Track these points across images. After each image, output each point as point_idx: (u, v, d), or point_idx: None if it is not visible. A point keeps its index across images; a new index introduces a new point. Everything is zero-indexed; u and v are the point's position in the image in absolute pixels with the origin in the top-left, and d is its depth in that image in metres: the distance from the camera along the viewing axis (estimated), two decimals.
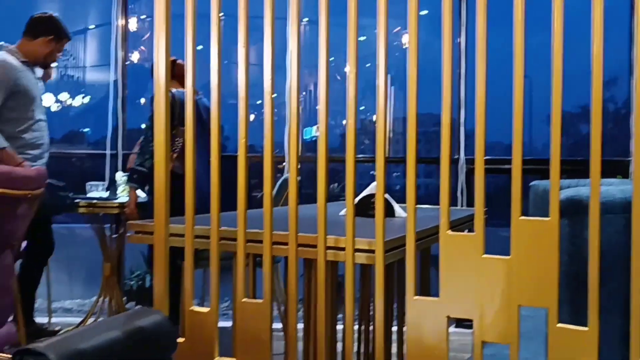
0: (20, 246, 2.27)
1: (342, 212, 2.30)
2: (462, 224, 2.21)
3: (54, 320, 3.92)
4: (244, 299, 1.37)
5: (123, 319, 0.88)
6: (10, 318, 2.15)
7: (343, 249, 1.45)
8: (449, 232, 1.30)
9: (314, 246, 1.47)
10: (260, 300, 1.35)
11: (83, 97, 6.07)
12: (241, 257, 1.44)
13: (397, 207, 2.28)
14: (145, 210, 3.54)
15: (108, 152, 4.69)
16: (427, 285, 2.48)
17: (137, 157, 3.52)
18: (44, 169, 2.19)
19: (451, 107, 1.38)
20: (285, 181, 3.58)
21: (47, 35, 3.15)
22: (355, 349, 2.25)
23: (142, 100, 6.26)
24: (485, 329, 1.21)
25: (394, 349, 2.45)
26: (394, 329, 2.43)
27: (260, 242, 1.55)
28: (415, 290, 1.33)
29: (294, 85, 1.51)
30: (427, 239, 1.75)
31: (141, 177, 3.35)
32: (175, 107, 1.60)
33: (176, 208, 1.63)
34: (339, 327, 1.96)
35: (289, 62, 1.52)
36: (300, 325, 1.64)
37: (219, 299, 1.40)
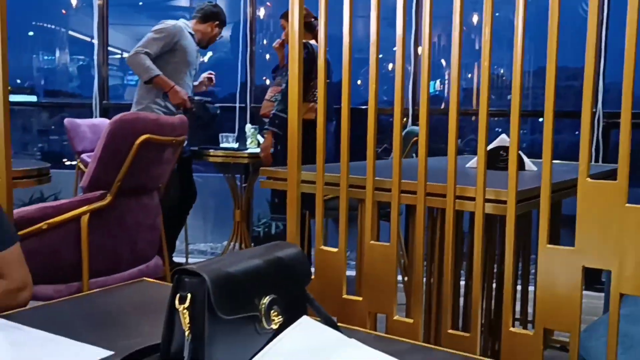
0: (164, 189, 2.48)
1: (468, 165, 2.26)
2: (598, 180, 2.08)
3: (190, 260, 4.28)
4: (372, 241, 1.41)
5: (263, 249, 0.95)
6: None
7: (471, 198, 1.44)
8: (589, 179, 1.23)
9: (442, 195, 1.47)
10: (387, 243, 1.39)
11: (211, 54, 6.37)
12: (370, 196, 1.47)
13: (527, 160, 2.20)
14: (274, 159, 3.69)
15: (237, 105, 4.91)
16: (557, 243, 2.38)
17: (279, 103, 3.66)
18: (186, 118, 2.36)
19: (596, 59, 1.29)
20: (408, 134, 3.55)
21: (214, 21, 3.88)
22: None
23: (267, 57, 6.46)
24: (624, 280, 1.16)
25: (517, 307, 2.40)
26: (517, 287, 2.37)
27: (386, 190, 1.57)
28: (547, 239, 1.29)
29: (425, 40, 1.49)
30: (558, 192, 1.68)
31: (282, 123, 3.49)
32: (315, 59, 1.65)
33: (310, 157, 1.69)
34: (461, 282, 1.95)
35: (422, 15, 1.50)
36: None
37: (347, 239, 1.45)
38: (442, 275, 1.79)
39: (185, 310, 0.78)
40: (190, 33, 3.78)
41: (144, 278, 1.35)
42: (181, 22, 3.76)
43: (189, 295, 0.78)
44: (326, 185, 1.62)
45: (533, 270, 2.63)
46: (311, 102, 3.47)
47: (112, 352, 0.89)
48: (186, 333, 0.77)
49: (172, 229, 3.63)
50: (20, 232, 1.86)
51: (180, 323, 0.79)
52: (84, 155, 3.90)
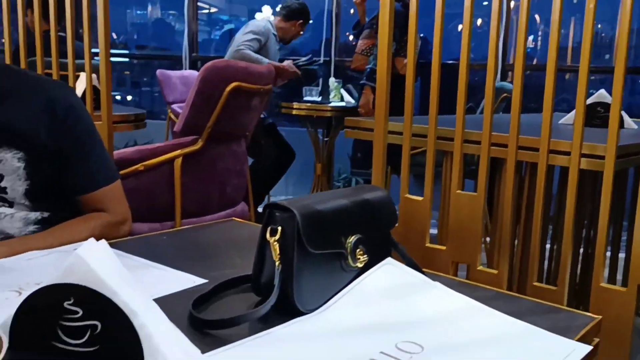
0: (250, 138, 2.55)
1: (562, 121, 2.17)
2: None
3: None
4: (459, 191, 1.40)
5: (350, 190, 0.96)
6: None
7: (565, 153, 1.38)
8: None
9: (533, 149, 1.42)
10: (474, 193, 1.37)
11: None
12: (459, 142, 1.45)
13: (627, 118, 2.08)
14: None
15: (322, 58, 4.91)
16: None
17: (375, 57, 3.65)
18: (273, 68, 2.40)
19: None
20: (497, 90, 3.43)
21: (298, 20, 3.97)
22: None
23: (352, 11, 6.37)
24: None
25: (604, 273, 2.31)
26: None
27: (475, 142, 1.54)
28: None
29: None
30: None
31: None
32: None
33: (399, 113, 1.68)
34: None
35: None
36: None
37: (433, 188, 1.45)
38: (529, 227, 1.75)
39: (275, 243, 0.81)
40: (273, 34, 3.94)
41: (233, 218, 1.41)
42: (267, 22, 3.94)
43: (279, 229, 0.82)
44: (413, 137, 1.60)
45: (624, 238, 2.52)
46: (406, 58, 3.42)
47: (206, 280, 0.94)
48: (276, 264, 0.81)
49: (266, 184, 3.75)
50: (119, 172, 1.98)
51: (270, 255, 0.83)
52: (174, 106, 4.06)
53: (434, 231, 1.73)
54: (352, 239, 0.89)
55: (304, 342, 0.75)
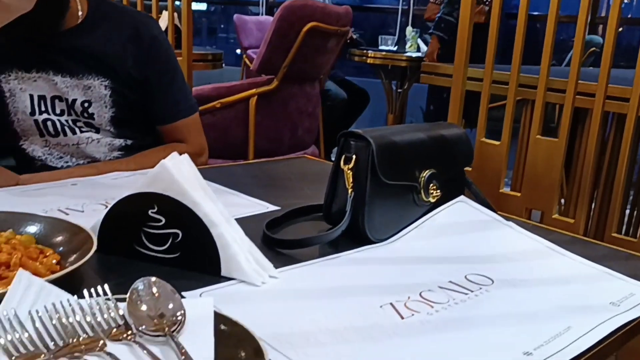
0: (325, 80, 2.54)
1: None
2: None
3: None
4: (538, 136, 1.36)
5: (427, 125, 0.95)
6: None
7: None
8: None
9: (622, 99, 1.35)
10: (554, 139, 1.32)
11: None
12: (543, 85, 1.39)
13: None
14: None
15: (400, 7, 4.78)
16: None
17: (445, 5, 3.54)
18: (351, 9, 2.36)
19: None
20: (585, 43, 3.24)
21: None
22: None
23: None
24: None
25: None
26: None
27: (559, 91, 1.48)
28: None
29: None
30: None
31: (448, 27, 3.37)
32: None
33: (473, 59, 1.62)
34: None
35: None
36: None
37: (511, 133, 1.41)
38: (609, 179, 1.68)
39: (349, 171, 0.82)
40: None
41: (305, 155, 1.44)
42: None
43: (354, 157, 0.82)
44: (493, 84, 1.55)
45: None
46: (480, 4, 3.28)
47: (278, 207, 0.97)
48: (349, 191, 0.82)
49: (337, 129, 3.75)
50: None
51: (343, 183, 0.83)
52: (249, 51, 4.09)
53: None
54: (426, 174, 0.88)
55: (373, 265, 0.76)
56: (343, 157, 0.83)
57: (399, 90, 4.27)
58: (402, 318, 0.62)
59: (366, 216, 0.81)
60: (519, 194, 1.40)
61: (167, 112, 1.36)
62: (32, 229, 0.68)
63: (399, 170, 0.84)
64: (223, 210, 0.71)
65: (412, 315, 0.63)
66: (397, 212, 0.86)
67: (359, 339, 0.57)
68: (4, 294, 0.51)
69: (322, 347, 0.55)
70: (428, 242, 0.83)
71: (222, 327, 0.53)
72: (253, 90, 2.12)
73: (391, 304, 0.65)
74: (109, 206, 0.74)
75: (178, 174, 0.69)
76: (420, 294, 0.67)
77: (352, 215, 0.81)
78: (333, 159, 0.87)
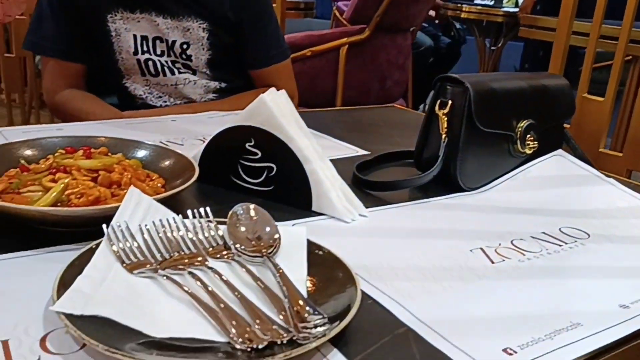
0: (416, 32, 2.48)
1: None
2: None
3: None
4: (585, 94, 1.27)
5: (529, 74, 0.91)
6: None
7: None
8: None
9: None
10: (601, 99, 1.23)
11: None
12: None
13: None
14: None
15: None
16: None
17: None
18: None
19: None
20: None
21: None
22: None
23: None
24: None
25: None
26: None
27: None
28: None
29: None
30: None
31: None
32: None
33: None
34: None
35: None
36: None
37: (616, 90, 1.32)
38: None
39: (444, 116, 0.81)
40: None
41: (394, 104, 1.42)
42: None
43: (449, 102, 0.80)
44: (600, 39, 1.46)
45: None
46: None
47: (368, 152, 0.97)
48: (442, 137, 0.81)
49: (426, 83, 3.65)
50: None
51: (436, 129, 0.82)
52: (339, 3, 4.04)
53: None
54: (523, 124, 0.85)
55: (463, 211, 0.75)
56: (438, 101, 0.82)
57: (493, 47, 4.09)
58: (493, 262, 0.61)
59: (459, 163, 0.80)
60: (620, 154, 1.32)
61: (260, 57, 1.38)
62: (140, 154, 0.72)
63: (496, 118, 0.82)
64: (317, 147, 0.72)
65: (503, 260, 0.62)
66: (490, 161, 0.84)
67: (448, 278, 0.57)
68: (117, 208, 0.55)
69: (410, 281, 0.56)
70: (521, 193, 0.81)
71: (314, 254, 0.55)
72: (344, 40, 2.11)
73: (481, 248, 0.64)
74: (207, 140, 0.78)
75: (276, 108, 0.71)
76: (511, 242, 0.66)
77: (444, 162, 0.80)
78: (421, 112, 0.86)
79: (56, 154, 0.66)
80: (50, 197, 0.58)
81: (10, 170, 0.64)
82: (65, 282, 0.46)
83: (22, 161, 0.66)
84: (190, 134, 1.00)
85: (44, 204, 0.57)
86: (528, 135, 0.85)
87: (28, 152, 0.68)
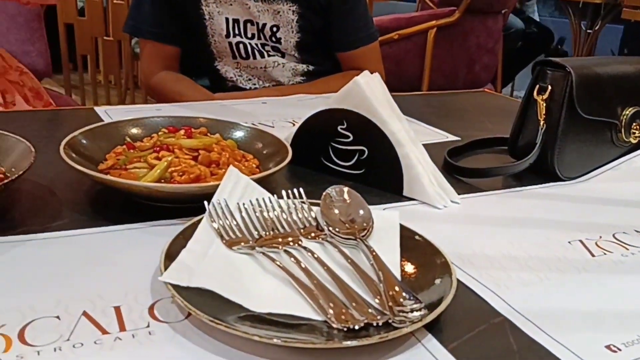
0: (508, 15, 2.39)
1: None
2: None
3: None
4: None
5: (636, 58, 0.86)
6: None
7: None
8: None
9: None
10: None
11: None
12: None
13: None
14: None
15: None
16: None
17: None
18: None
19: None
20: None
21: None
22: None
23: None
24: None
25: None
26: None
27: None
28: None
29: None
30: None
31: None
32: None
33: None
34: None
35: None
36: None
37: None
38: None
39: (542, 102, 0.78)
40: None
41: (485, 89, 1.38)
42: None
43: (549, 87, 0.77)
44: None
45: None
46: None
47: (458, 138, 0.95)
48: (540, 123, 0.78)
49: (515, 68, 3.51)
50: None
51: (533, 115, 0.79)
52: None
53: None
54: (629, 111, 0.80)
55: (560, 201, 0.72)
56: (537, 86, 0.79)
57: (589, 30, 3.87)
58: (593, 256, 0.59)
59: (557, 151, 0.77)
60: None
61: (348, 39, 1.38)
62: (236, 135, 0.74)
63: (599, 105, 0.78)
64: (410, 131, 0.72)
65: (604, 254, 0.59)
66: (591, 150, 0.80)
67: (545, 269, 0.55)
68: (216, 187, 0.58)
69: (505, 271, 0.55)
70: (624, 184, 0.77)
71: (407, 238, 0.55)
72: (433, 22, 2.06)
73: (580, 241, 0.62)
74: (296, 124, 0.79)
75: (369, 91, 0.71)
76: (613, 235, 0.63)
77: (542, 149, 0.77)
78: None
79: (159, 133, 0.69)
80: (154, 174, 0.61)
81: (117, 147, 0.68)
82: (170, 255, 0.49)
83: (128, 139, 0.70)
84: (280, 116, 1.02)
85: (149, 180, 0.60)
86: (634, 124, 0.81)
87: (134, 131, 0.71)
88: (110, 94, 2.45)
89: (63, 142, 0.64)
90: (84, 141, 0.66)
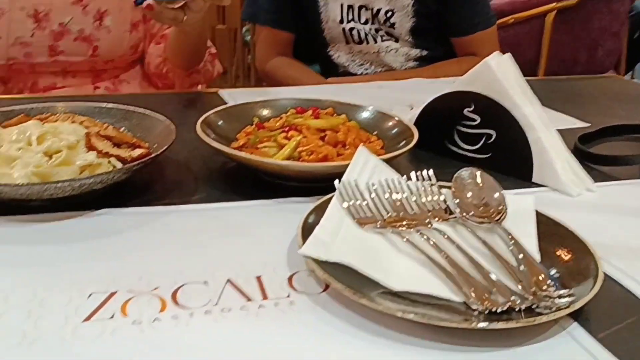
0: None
1: None
2: None
3: None
4: None
5: None
6: None
7: None
8: None
9: None
10: None
11: None
12: None
13: None
14: None
15: None
16: None
17: None
18: None
19: None
20: None
21: None
22: None
23: None
24: None
25: None
26: None
27: None
28: None
29: None
30: None
31: None
32: None
33: None
34: None
35: None
36: None
37: None
38: None
39: None
40: None
41: (615, 75, 1.30)
42: None
43: None
44: None
45: None
46: None
47: (587, 124, 0.90)
48: None
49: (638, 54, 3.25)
50: None
51: None
52: None
53: None
54: None
55: None
56: None
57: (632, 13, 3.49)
58: None
59: None
60: None
61: (464, 24, 1.34)
62: (360, 117, 0.75)
63: None
64: (542, 115, 0.69)
65: None
66: None
67: None
68: (345, 166, 0.58)
69: None
70: None
71: (544, 224, 0.53)
72: (552, 5, 1.95)
73: None
74: (415, 107, 0.78)
75: (500, 73, 0.68)
76: None
77: None
78: None
79: (288, 114, 0.71)
80: (284, 153, 0.63)
81: (247, 127, 0.71)
82: (306, 230, 0.50)
83: (256, 119, 0.72)
84: (397, 100, 1.01)
85: (280, 159, 0.62)
86: None
87: (263, 112, 0.74)
88: (220, 82, 2.55)
89: (199, 121, 0.67)
90: (218, 121, 0.70)
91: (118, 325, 0.41)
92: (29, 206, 0.55)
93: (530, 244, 0.50)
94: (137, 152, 0.61)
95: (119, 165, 0.59)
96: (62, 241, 0.51)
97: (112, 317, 0.41)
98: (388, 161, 0.61)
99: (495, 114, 0.69)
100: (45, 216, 0.55)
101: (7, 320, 0.41)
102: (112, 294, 0.44)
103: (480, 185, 0.57)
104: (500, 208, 0.54)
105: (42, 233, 0.52)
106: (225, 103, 0.91)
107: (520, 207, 0.55)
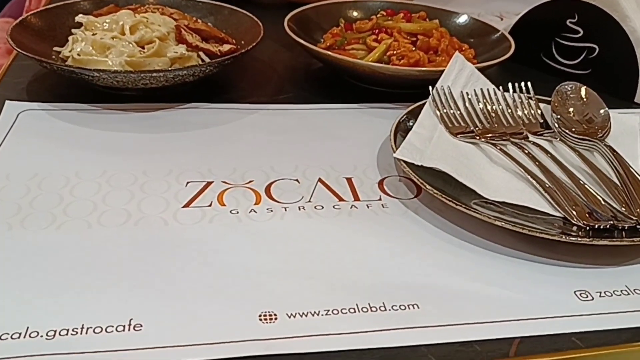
0: None
1: None
2: None
3: None
4: None
5: None
6: None
7: None
8: None
9: None
10: None
11: None
12: None
13: None
14: None
15: None
16: None
17: None
18: None
19: None
20: None
21: None
22: None
23: None
24: None
25: None
26: None
27: None
28: None
29: None
30: None
31: None
32: None
33: None
34: None
35: None
36: None
37: None
38: None
39: None
40: None
41: None
42: None
43: None
44: None
45: None
46: None
47: None
48: None
49: None
50: None
51: None
52: None
53: None
54: None
55: None
56: None
57: None
58: None
59: None
60: None
61: None
62: (454, 24, 0.71)
63: None
64: None
65: None
66: None
67: None
68: (438, 73, 0.56)
69: None
70: None
71: None
72: None
73: None
74: (505, 18, 0.73)
75: None
76: None
77: None
78: None
79: (378, 16, 0.68)
80: (374, 56, 0.61)
81: (333, 28, 0.68)
82: (397, 135, 0.49)
83: (342, 20, 0.70)
84: (486, 9, 0.95)
85: (370, 61, 0.60)
86: None
87: (353, 13, 0.71)
88: None
89: (287, 18, 0.65)
90: (304, 21, 0.67)
91: (217, 213, 0.42)
92: (118, 95, 0.56)
93: (635, 164, 0.47)
94: (226, 47, 0.60)
95: (207, 60, 0.58)
96: (155, 131, 0.52)
97: (210, 205, 0.42)
98: (481, 70, 0.59)
99: (601, 26, 0.64)
100: (136, 105, 0.56)
101: (111, 201, 0.42)
102: (209, 184, 0.45)
103: (585, 100, 0.54)
104: (604, 125, 0.51)
105: (135, 122, 0.53)
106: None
107: (626, 126, 0.52)
